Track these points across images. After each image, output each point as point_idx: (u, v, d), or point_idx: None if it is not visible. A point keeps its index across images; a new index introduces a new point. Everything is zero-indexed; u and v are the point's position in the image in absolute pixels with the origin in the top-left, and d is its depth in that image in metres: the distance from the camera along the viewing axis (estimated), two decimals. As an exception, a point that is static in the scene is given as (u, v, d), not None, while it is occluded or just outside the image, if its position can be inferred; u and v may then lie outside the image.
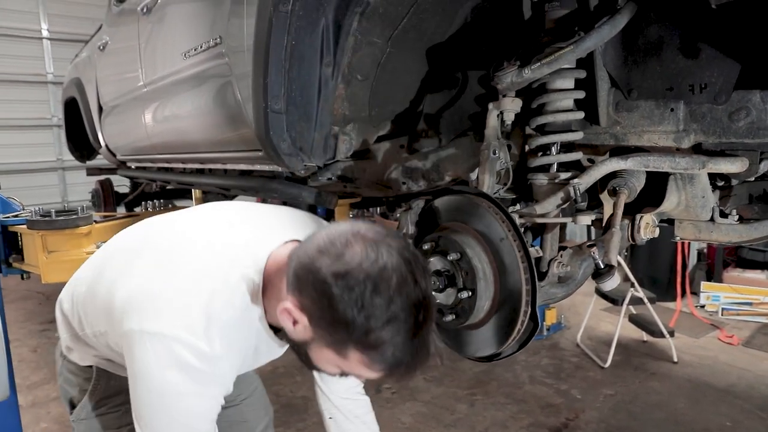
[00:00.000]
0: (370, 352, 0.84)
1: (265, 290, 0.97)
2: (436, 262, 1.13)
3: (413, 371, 0.86)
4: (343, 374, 0.93)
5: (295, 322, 0.89)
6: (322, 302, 0.83)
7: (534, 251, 1.15)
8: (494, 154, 1.20)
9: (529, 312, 1.04)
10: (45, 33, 7.50)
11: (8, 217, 2.29)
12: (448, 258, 1.08)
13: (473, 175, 1.39)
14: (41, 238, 2.29)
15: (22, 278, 2.50)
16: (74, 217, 2.34)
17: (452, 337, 1.22)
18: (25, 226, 2.34)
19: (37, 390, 3.14)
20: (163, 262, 0.98)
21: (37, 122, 7.42)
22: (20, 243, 2.40)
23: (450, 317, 1.12)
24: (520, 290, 1.02)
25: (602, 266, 1.05)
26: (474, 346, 1.17)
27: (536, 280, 1.01)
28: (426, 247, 1.14)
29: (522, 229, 1.25)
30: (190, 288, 0.92)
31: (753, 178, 1.17)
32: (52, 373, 3.60)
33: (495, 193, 1.21)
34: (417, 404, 2.94)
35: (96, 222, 2.57)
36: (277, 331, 1.01)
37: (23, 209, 2.37)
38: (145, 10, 2.31)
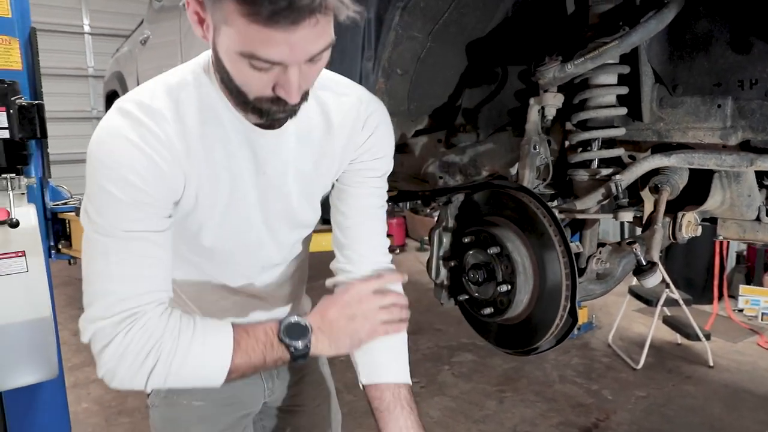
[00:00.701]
0: None
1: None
2: (476, 255, 1.13)
3: None
4: (255, 67, 0.74)
5: (198, 21, 0.76)
6: None
7: (574, 247, 1.14)
8: (534, 149, 1.20)
9: (568, 307, 1.04)
10: (86, 28, 7.75)
11: (57, 205, 2.38)
12: (489, 251, 1.08)
13: (513, 170, 1.39)
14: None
15: (70, 263, 2.60)
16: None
17: (490, 330, 1.22)
18: (73, 213, 2.43)
19: (77, 372, 3.26)
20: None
21: (78, 114, 7.68)
22: (68, 230, 2.49)
23: (488, 310, 1.12)
24: (559, 285, 1.02)
25: (644, 263, 1.04)
26: (511, 339, 1.18)
27: (576, 275, 1.01)
28: (466, 240, 1.14)
29: (565, 224, 1.25)
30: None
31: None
32: (92, 356, 3.71)
33: (535, 188, 1.21)
34: (445, 399, 2.95)
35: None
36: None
37: (71, 197, 2.46)
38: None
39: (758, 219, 1.28)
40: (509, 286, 1.07)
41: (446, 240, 1.23)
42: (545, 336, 1.09)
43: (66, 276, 4.97)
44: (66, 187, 2.45)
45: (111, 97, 4.06)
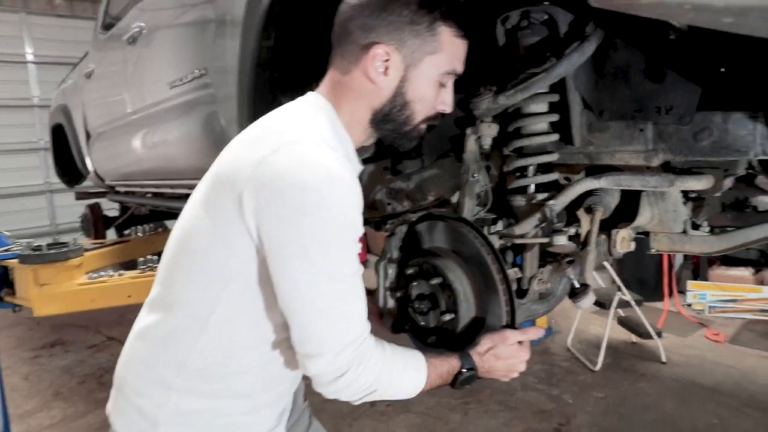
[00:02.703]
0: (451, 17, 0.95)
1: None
2: (419, 286, 1.16)
3: None
4: (442, 85, 1.00)
5: (386, 67, 0.94)
6: (386, 11, 0.92)
7: (512, 273, 1.19)
8: (473, 177, 1.25)
9: None
10: (30, 57, 7.49)
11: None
12: (431, 282, 1.12)
13: (455, 198, 1.43)
14: (33, 271, 2.31)
15: (14, 311, 2.51)
16: (65, 249, 2.36)
17: None
18: (16, 260, 2.36)
19: (29, 419, 3.12)
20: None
21: (24, 146, 7.40)
22: (11, 277, 2.41)
23: (432, 338, 1.15)
24: (500, 311, 1.06)
25: (578, 285, 1.10)
26: None
27: (515, 300, 1.05)
28: (410, 271, 1.18)
29: (506, 248, 1.31)
30: (287, 128, 0.90)
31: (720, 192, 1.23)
32: (45, 401, 3.60)
33: (476, 215, 1.25)
34: (411, 416, 2.97)
35: (86, 250, 2.59)
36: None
37: (13, 244, 2.39)
38: (130, 40, 2.35)
39: (685, 231, 1.37)
40: (452, 315, 1.10)
41: (391, 271, 1.26)
42: None
43: (14, 316, 4.78)
44: (5, 230, 2.37)
45: (57, 131, 3.95)
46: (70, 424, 3.00)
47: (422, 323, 1.17)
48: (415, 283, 1.16)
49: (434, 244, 1.19)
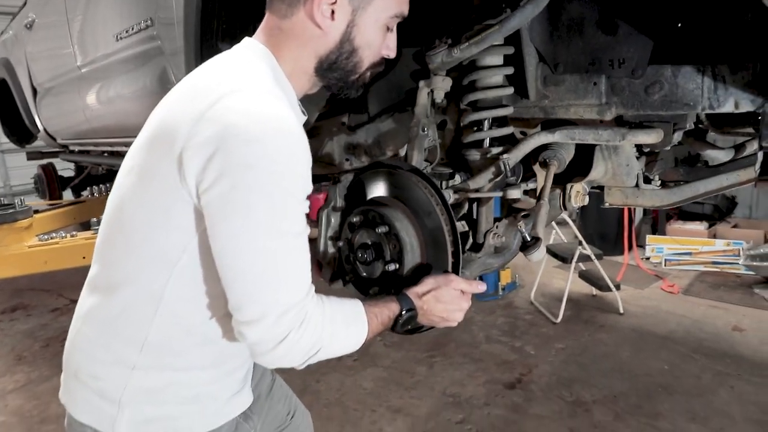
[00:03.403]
0: None
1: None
2: (364, 235, 1.14)
3: None
4: (389, 29, 0.96)
5: (332, 11, 0.89)
6: None
7: (460, 226, 1.18)
8: (423, 131, 1.23)
9: None
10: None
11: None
12: (377, 230, 1.09)
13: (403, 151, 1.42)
14: (-21, 235, 2.21)
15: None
16: (11, 211, 2.26)
17: None
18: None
19: (-8, 383, 3.08)
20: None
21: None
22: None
23: (375, 289, 1.14)
24: (445, 263, 1.06)
25: (529, 239, 1.11)
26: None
27: (460, 253, 1.05)
28: (354, 219, 1.15)
29: (461, 202, 1.31)
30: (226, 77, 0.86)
31: (670, 147, 1.25)
32: (7, 365, 3.55)
33: (423, 170, 1.24)
34: (378, 369, 3.04)
35: (37, 212, 2.49)
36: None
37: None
38: (70, -14, 2.21)
39: (637, 185, 1.39)
40: (397, 265, 1.09)
41: (334, 219, 1.23)
42: None
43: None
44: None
45: (0, 86, 3.74)
46: (35, 388, 2.97)
47: (364, 274, 1.15)
48: (359, 232, 1.14)
49: (381, 193, 1.17)
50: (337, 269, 1.25)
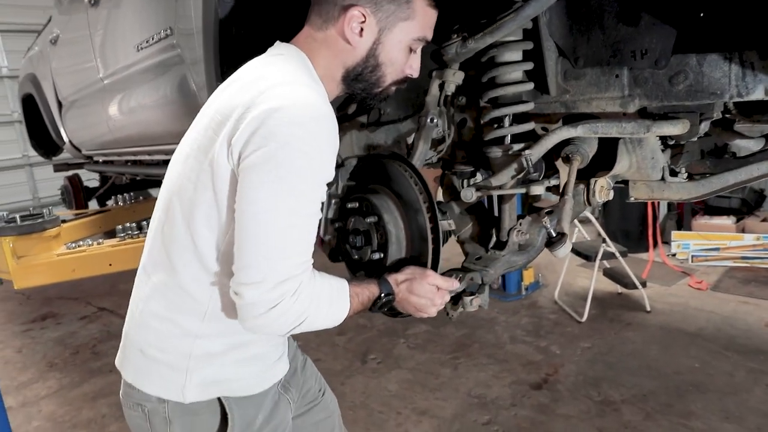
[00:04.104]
0: None
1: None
2: (357, 222, 1.18)
3: None
4: (412, 50, 1.06)
5: (361, 29, 1.00)
6: None
7: (446, 224, 1.22)
8: (431, 122, 1.25)
9: None
10: (-6, 26, 7.20)
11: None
12: (367, 219, 1.14)
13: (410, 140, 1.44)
14: (9, 244, 2.28)
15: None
16: (40, 220, 2.32)
17: None
18: (-6, 234, 2.33)
19: (25, 390, 3.15)
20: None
21: (-3, 119, 7.20)
22: (-9, 251, 2.39)
23: (361, 273, 1.20)
24: (426, 259, 1.09)
25: (554, 234, 1.09)
26: None
27: (440, 247, 1.09)
28: (350, 205, 1.19)
29: (483, 200, 1.30)
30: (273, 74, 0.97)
31: (697, 137, 1.22)
32: (40, 372, 3.63)
33: (428, 160, 1.26)
34: (402, 372, 3.03)
35: (64, 222, 2.55)
36: None
37: (-7, 215, 2.35)
38: (93, 2, 2.25)
39: (663, 179, 1.36)
40: (381, 255, 1.13)
41: (334, 201, 1.28)
42: None
43: (3, 291, 4.77)
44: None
45: (27, 101, 3.83)
46: (67, 394, 3.03)
47: (355, 257, 1.19)
48: (353, 218, 1.19)
49: (379, 183, 1.20)
50: (335, 248, 1.30)
